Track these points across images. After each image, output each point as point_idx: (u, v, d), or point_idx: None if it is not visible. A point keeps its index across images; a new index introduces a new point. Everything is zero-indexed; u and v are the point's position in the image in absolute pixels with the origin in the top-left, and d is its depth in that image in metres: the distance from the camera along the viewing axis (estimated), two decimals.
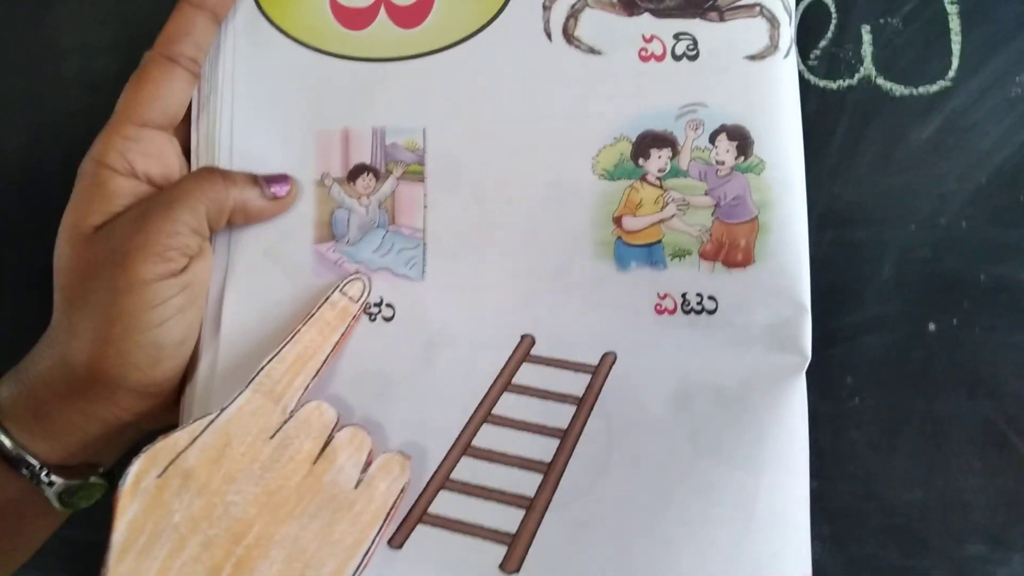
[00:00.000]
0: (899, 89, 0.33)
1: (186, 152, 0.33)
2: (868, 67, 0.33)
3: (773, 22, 0.32)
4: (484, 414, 0.31)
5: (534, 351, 0.32)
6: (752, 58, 0.32)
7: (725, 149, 0.32)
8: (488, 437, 0.31)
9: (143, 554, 0.26)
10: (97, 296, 0.29)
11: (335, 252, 0.32)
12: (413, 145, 0.33)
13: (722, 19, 0.32)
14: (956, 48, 0.33)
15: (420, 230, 0.33)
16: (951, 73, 0.33)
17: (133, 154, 0.30)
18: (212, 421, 0.28)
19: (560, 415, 0.32)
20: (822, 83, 0.33)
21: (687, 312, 0.32)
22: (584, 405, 0.32)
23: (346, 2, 0.33)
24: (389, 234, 0.33)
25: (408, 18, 0.32)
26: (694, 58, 0.32)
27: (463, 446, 0.31)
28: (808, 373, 0.31)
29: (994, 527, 0.32)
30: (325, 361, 0.30)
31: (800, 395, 0.31)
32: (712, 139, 0.32)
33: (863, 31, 0.33)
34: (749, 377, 0.31)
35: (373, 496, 0.29)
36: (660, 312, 0.32)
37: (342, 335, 0.31)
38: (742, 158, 0.32)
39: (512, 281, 0.32)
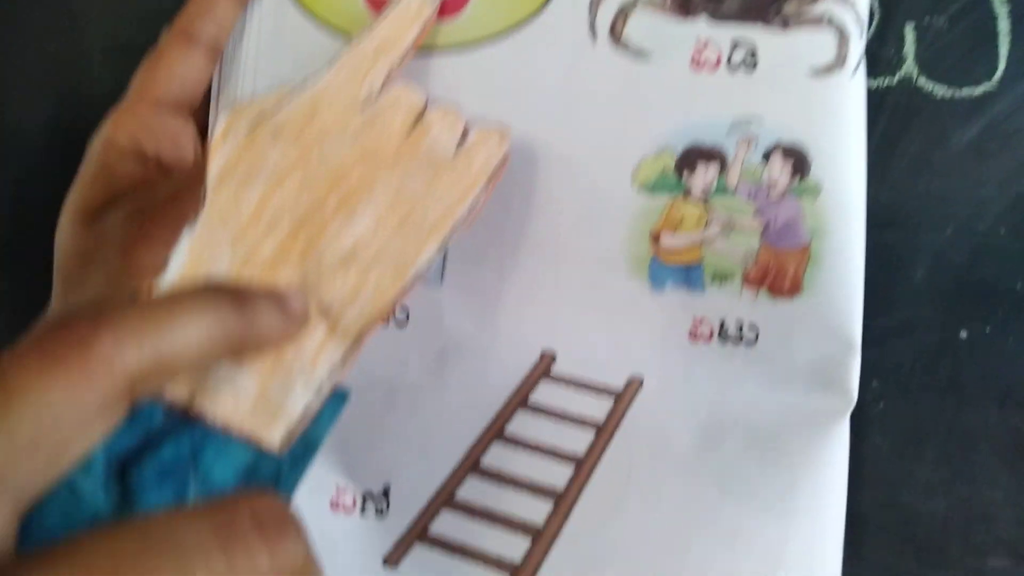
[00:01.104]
0: (941, 90, 0.31)
1: (203, 134, 0.31)
2: (910, 67, 0.31)
3: (842, 35, 0.29)
4: (496, 432, 0.30)
5: (554, 369, 0.30)
6: (816, 73, 0.29)
7: (779, 168, 0.30)
8: (498, 457, 0.29)
9: (242, 186, 0.26)
10: (96, 282, 0.27)
11: None
12: None
13: (786, 27, 0.29)
14: (1004, 50, 0.31)
15: None
16: (997, 76, 0.31)
17: (144, 135, 0.29)
18: (296, 90, 0.27)
19: (577, 440, 0.30)
20: None
21: (724, 341, 0.30)
22: (604, 432, 0.29)
23: None
24: None
25: (445, 5, 0.31)
26: (752, 68, 0.30)
27: (471, 464, 0.29)
28: None
29: (1018, 541, 0.31)
30: (405, 56, 0.29)
31: (842, 441, 0.29)
32: (766, 157, 0.30)
33: (906, 30, 0.31)
34: (786, 417, 0.29)
35: (472, 162, 0.27)
36: (695, 339, 0.30)
37: (420, 31, 0.29)
38: (797, 179, 0.29)
39: (536, 293, 0.30)
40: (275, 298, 0.23)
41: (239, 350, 0.22)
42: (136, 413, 0.19)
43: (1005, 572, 0.30)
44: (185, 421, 0.21)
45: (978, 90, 0.31)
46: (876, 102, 0.31)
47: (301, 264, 0.25)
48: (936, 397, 0.31)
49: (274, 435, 0.22)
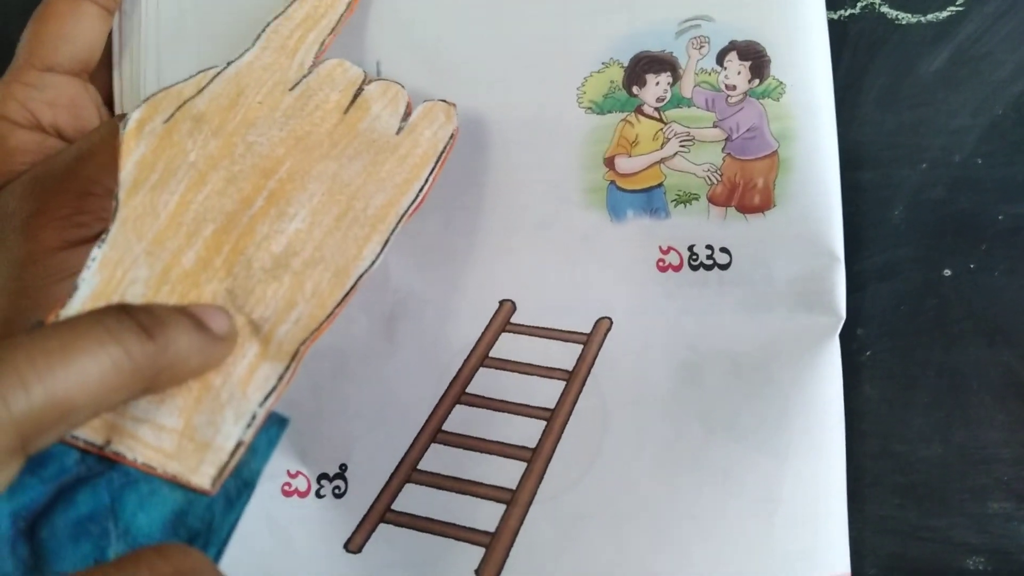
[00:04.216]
0: (906, 17, 0.30)
1: (108, 103, 0.28)
2: None
3: None
4: (456, 394, 0.27)
5: (515, 319, 0.27)
6: None
7: (736, 71, 0.27)
8: (462, 420, 0.27)
9: (158, 188, 0.23)
10: (0, 268, 0.25)
11: None
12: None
13: None
14: None
15: None
16: None
17: (37, 103, 0.26)
18: (219, 73, 0.25)
19: (547, 392, 0.27)
20: None
21: (695, 268, 0.27)
22: (575, 380, 0.27)
23: None
24: None
25: None
26: None
27: (432, 431, 0.27)
28: None
29: (1018, 482, 0.30)
30: (340, 20, 0.26)
31: (833, 362, 0.27)
32: (720, 59, 0.27)
33: None
34: (771, 343, 0.26)
35: (418, 141, 0.25)
36: (663, 269, 0.27)
37: None
38: (757, 81, 0.27)
39: (487, 239, 0.28)
40: (193, 319, 0.20)
41: (154, 385, 0.19)
42: (43, 459, 0.17)
43: (1006, 515, 0.29)
44: (102, 466, 0.19)
45: (944, 14, 0.30)
46: (839, 34, 0.29)
47: (227, 274, 0.22)
48: (924, 340, 0.30)
49: (204, 475, 0.19)
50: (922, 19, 0.30)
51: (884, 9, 0.30)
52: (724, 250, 0.27)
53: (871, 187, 0.30)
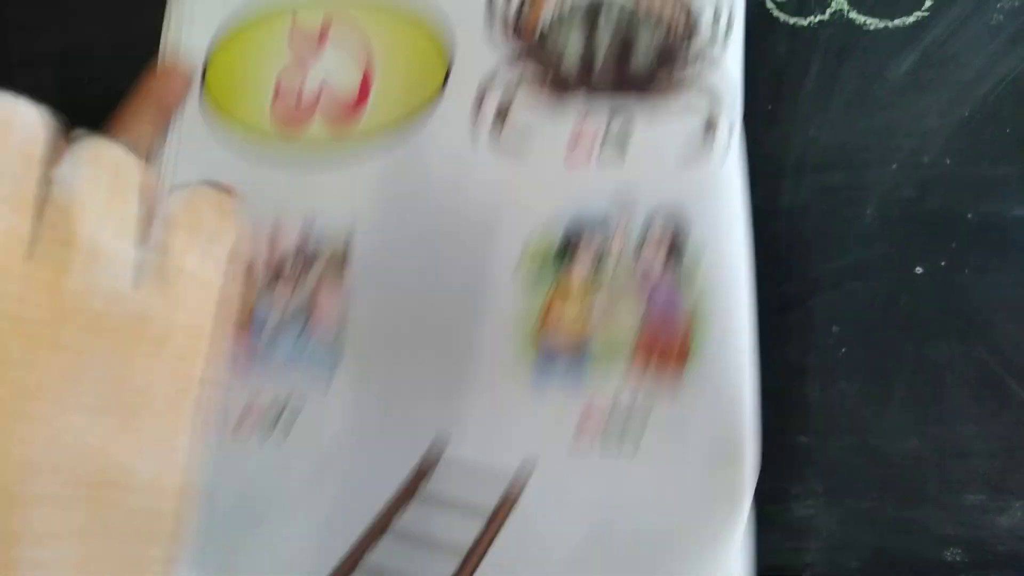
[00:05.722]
0: (873, 22, 0.31)
1: None
2: (840, 2, 0.31)
3: (710, 125, 0.31)
4: (381, 527, 0.29)
5: (445, 457, 0.30)
6: (685, 162, 0.31)
7: (655, 251, 0.30)
8: (386, 552, 0.29)
9: None
10: None
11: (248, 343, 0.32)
12: (339, 247, 0.32)
13: (661, 93, 0.31)
14: None
15: (334, 337, 0.32)
16: (928, 2, 0.31)
17: None
18: None
19: (468, 529, 0.29)
20: (792, 20, 0.32)
21: (612, 429, 0.29)
22: (494, 522, 0.29)
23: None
24: (302, 339, 0.32)
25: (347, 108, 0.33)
26: (622, 159, 0.31)
27: (353, 562, 0.29)
28: (792, 324, 0.29)
29: (993, 474, 0.29)
30: None
31: (740, 519, 0.28)
32: (642, 240, 0.31)
33: None
34: (684, 502, 0.28)
35: (179, 301, 0.16)
36: (584, 432, 0.29)
37: None
38: (676, 255, 0.30)
39: (424, 387, 0.31)
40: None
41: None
42: None
43: (982, 506, 0.29)
44: None
45: (910, 19, 0.31)
46: (809, 40, 0.31)
47: None
48: (898, 336, 0.30)
49: None
50: (889, 24, 0.30)
51: (852, 15, 0.31)
52: (642, 410, 0.29)
53: (843, 188, 0.30)
